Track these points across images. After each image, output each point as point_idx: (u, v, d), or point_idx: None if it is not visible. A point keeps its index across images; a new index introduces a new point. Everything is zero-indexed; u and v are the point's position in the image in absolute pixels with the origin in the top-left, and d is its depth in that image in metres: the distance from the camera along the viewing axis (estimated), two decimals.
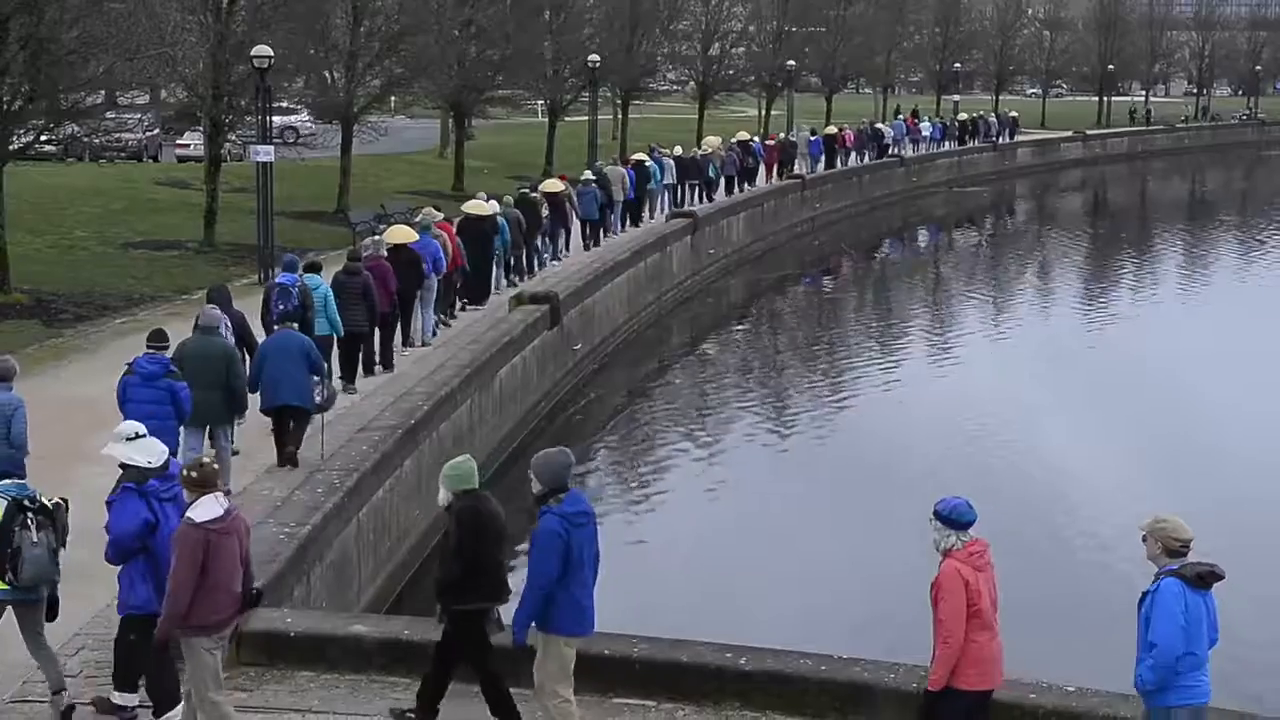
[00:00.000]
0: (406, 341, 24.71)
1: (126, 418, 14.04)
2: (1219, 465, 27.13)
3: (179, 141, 54.71)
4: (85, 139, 32.83)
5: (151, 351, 15.11)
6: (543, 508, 10.49)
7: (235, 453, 17.19)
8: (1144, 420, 30.15)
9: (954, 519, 9.73)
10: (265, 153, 30.40)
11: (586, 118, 53.72)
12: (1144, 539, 9.34)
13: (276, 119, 57.06)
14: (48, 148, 32.24)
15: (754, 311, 44.86)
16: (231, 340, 17.48)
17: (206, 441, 16.47)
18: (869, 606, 18.43)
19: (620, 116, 65.84)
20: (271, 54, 30.19)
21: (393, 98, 49.24)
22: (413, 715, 11.37)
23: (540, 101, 60.72)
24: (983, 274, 54.53)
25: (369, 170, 49.41)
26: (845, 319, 44.62)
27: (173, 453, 14.35)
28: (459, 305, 28.50)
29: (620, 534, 22.70)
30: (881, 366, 35.61)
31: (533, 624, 10.56)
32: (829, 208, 60.11)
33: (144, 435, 11.27)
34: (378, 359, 23.01)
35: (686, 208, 45.33)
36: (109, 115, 33.52)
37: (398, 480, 19.09)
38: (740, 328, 42.07)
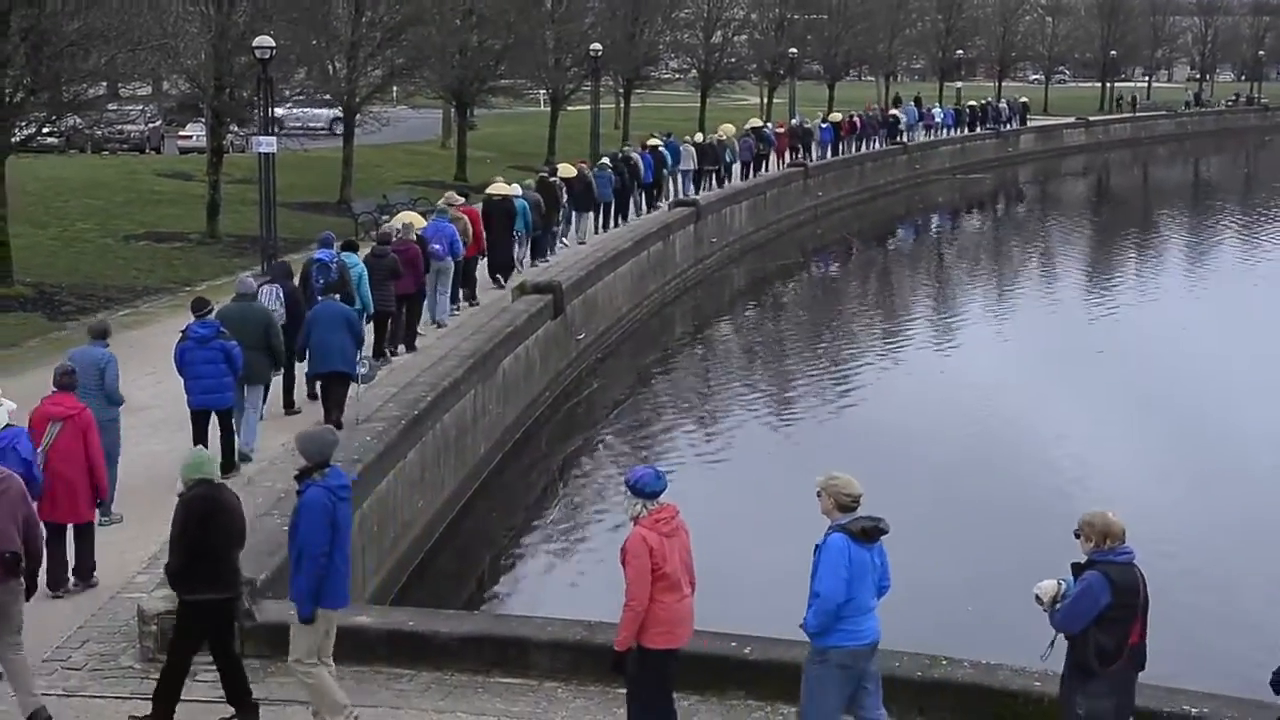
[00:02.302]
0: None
1: (186, 380, 16.51)
2: (1224, 446, 27.22)
3: (181, 133, 54.73)
4: (87, 131, 32.93)
5: (201, 317, 16.57)
6: (306, 481, 10.72)
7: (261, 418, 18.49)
8: (1150, 404, 30.15)
9: (641, 488, 10.18)
10: (267, 144, 30.38)
11: (588, 107, 53.69)
12: (818, 495, 10.03)
13: (323, 111, 58.39)
14: (50, 140, 32.32)
15: (757, 300, 44.80)
16: (281, 309, 19.11)
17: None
18: None
19: (622, 105, 65.78)
20: (273, 45, 30.15)
21: (395, 88, 49.24)
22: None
23: (542, 91, 60.67)
24: (986, 261, 54.51)
25: (371, 160, 49.38)
26: (848, 306, 44.57)
27: (233, 407, 17.01)
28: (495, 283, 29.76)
29: (624, 524, 22.71)
30: (885, 354, 35.60)
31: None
32: (831, 195, 60.07)
33: None
34: (392, 339, 23.40)
35: (689, 196, 45.68)
36: (111, 107, 33.58)
37: (401, 471, 19.10)
38: (743, 316, 42.06)
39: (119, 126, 37.50)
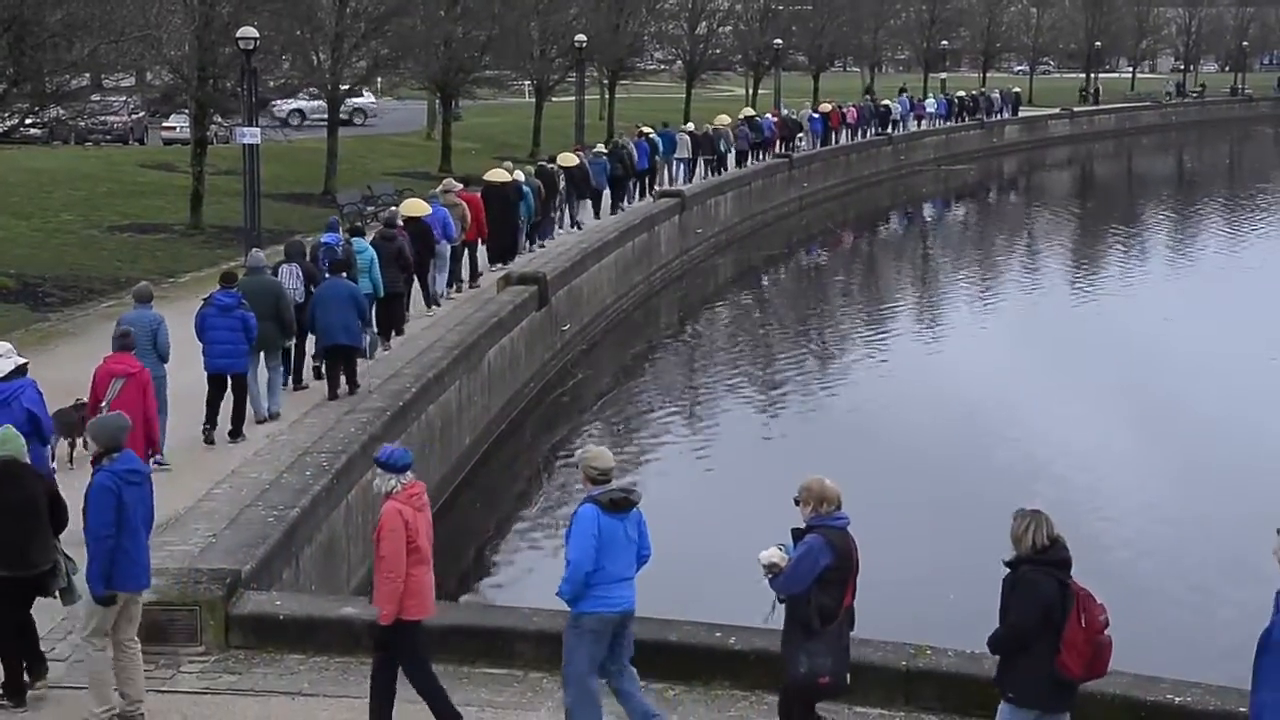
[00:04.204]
0: (428, 302, 26.27)
1: (206, 344, 17.83)
2: (1203, 434, 27.35)
3: (165, 124, 54.56)
4: (70, 122, 32.72)
5: (226, 288, 17.95)
6: (96, 466, 10.95)
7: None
8: (1132, 395, 30.23)
9: (391, 464, 10.58)
10: (251, 135, 30.29)
11: (573, 98, 53.65)
12: (578, 469, 10.55)
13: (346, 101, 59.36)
14: (32, 131, 32.12)
15: (742, 291, 44.84)
16: (300, 286, 20.04)
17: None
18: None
19: (607, 97, 65.72)
20: (257, 35, 30.08)
21: (379, 79, 49.15)
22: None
23: (527, 82, 60.61)
24: (971, 251, 54.56)
25: (356, 152, 49.30)
26: (833, 297, 44.63)
27: (245, 372, 18.20)
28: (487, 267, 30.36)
29: None
30: (870, 344, 35.62)
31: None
32: (817, 186, 60.06)
33: None
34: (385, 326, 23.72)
35: (683, 185, 46.28)
36: (94, 98, 33.38)
37: None
38: (728, 307, 42.07)
39: (102, 118, 37.29)
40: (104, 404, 14.38)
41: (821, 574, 9.65)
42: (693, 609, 13.56)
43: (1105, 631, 9.19)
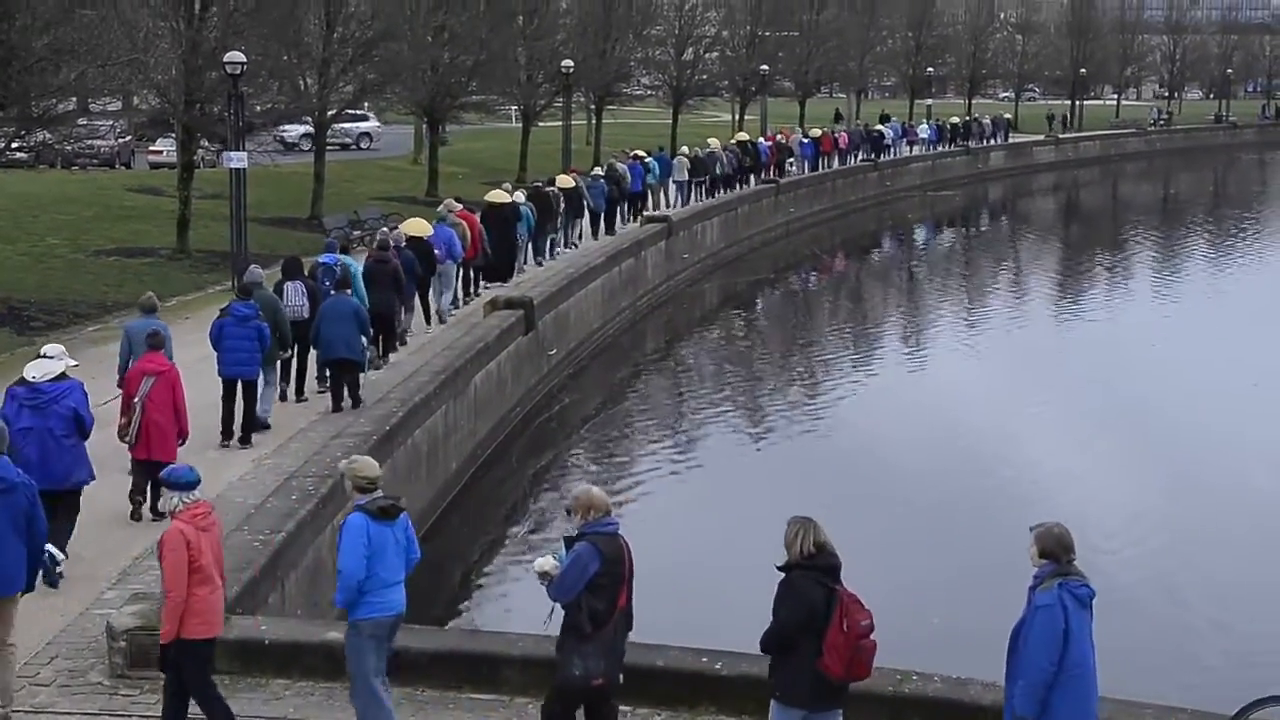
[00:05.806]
0: (428, 319, 27.29)
1: (222, 353, 18.88)
2: (1187, 456, 27.42)
3: (151, 148, 54.52)
4: (57, 146, 32.71)
5: (243, 299, 19.20)
6: None
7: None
8: (1117, 420, 30.31)
9: (175, 481, 10.74)
10: (238, 159, 30.30)
11: (560, 123, 53.78)
12: (342, 478, 10.79)
13: (349, 125, 59.89)
14: (19, 155, 32.12)
15: (728, 315, 44.87)
16: (305, 302, 21.09)
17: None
18: None
19: (594, 122, 65.87)
20: (244, 60, 30.10)
21: (366, 104, 49.19)
22: None
23: (514, 107, 60.74)
24: (957, 278, 54.66)
25: (343, 176, 49.30)
26: (818, 321, 44.69)
27: (256, 379, 19.28)
28: (482, 285, 31.27)
29: None
30: (855, 368, 35.66)
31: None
32: (803, 212, 60.20)
33: (49, 357, 14.66)
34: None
35: (680, 206, 47.29)
36: (81, 122, 33.41)
37: None
38: (714, 332, 42.11)
39: (89, 141, 37.30)
40: (136, 400, 15.75)
41: (591, 580, 9.96)
42: (678, 633, 13.53)
43: (869, 636, 9.54)
